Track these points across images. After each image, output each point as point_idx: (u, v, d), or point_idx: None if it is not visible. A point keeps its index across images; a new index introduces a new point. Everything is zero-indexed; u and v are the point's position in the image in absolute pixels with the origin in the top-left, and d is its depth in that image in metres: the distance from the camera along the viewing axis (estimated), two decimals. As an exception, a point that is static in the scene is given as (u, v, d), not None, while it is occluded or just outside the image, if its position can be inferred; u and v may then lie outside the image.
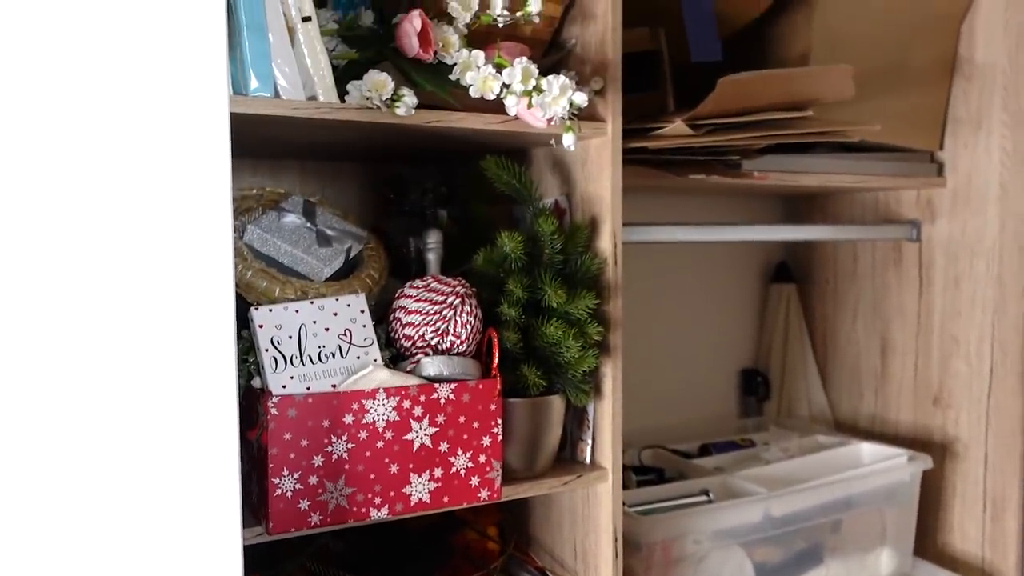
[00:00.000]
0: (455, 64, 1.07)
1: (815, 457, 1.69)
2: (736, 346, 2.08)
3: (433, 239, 1.16)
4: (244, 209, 1.18)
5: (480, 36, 1.11)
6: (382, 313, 1.15)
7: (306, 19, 1.02)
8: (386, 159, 1.50)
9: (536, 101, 1.02)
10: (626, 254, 1.22)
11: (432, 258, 1.15)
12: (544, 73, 1.10)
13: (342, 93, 1.05)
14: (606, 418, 1.21)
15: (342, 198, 1.50)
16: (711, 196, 1.95)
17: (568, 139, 1.05)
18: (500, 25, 1.08)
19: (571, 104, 1.02)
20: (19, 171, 0.68)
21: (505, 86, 1.04)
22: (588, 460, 1.23)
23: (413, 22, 1.05)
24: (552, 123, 1.05)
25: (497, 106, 1.07)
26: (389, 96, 1.01)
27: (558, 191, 1.31)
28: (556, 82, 1.01)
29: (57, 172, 0.70)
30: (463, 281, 1.10)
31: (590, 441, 1.23)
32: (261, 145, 1.29)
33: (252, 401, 0.98)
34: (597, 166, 1.21)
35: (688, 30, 1.17)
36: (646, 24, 1.37)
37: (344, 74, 1.15)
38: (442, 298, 1.06)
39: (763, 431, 1.94)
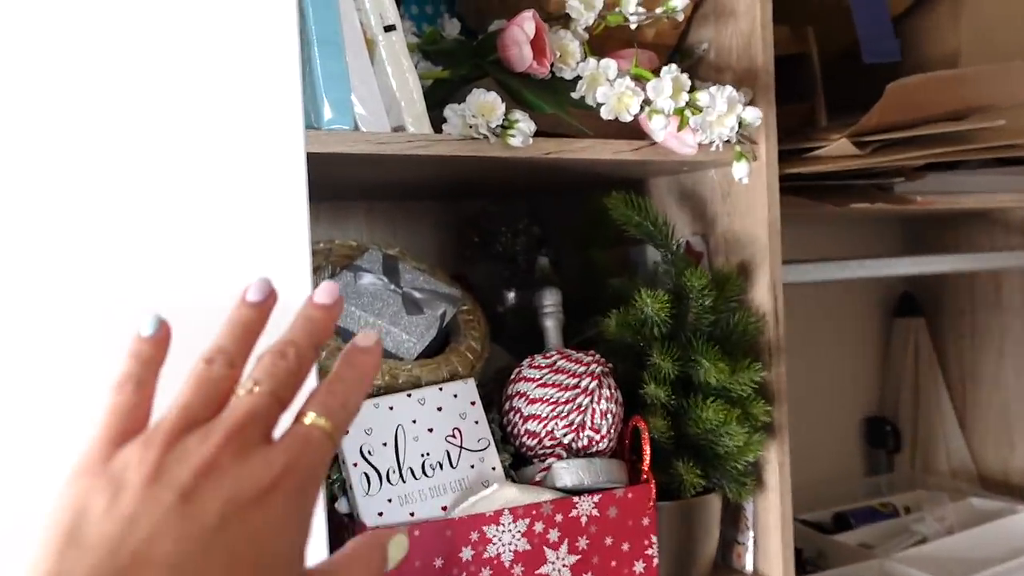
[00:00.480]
0: (578, 77, 0.83)
1: (982, 531, 1.41)
2: (858, 391, 1.81)
3: (551, 301, 0.91)
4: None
5: (592, 43, 0.88)
6: (487, 391, 0.91)
7: (389, 28, 0.79)
8: (464, 194, 1.26)
9: (694, 122, 0.78)
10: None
11: (551, 325, 0.91)
12: None
13: (435, 120, 0.81)
14: (771, 515, 0.96)
15: (415, 243, 1.27)
16: (813, 223, 1.69)
17: (740, 169, 0.80)
18: (633, 26, 0.84)
19: (740, 123, 0.77)
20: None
21: (646, 103, 0.80)
22: (750, 568, 0.97)
23: (524, 26, 0.81)
24: (711, 148, 0.80)
25: (626, 129, 0.83)
26: (500, 122, 0.78)
27: (689, 229, 1.06)
28: (720, 95, 0.77)
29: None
30: (597, 356, 0.85)
31: (750, 545, 0.97)
32: (324, 185, 1.06)
33: (338, 530, 0.74)
34: (747, 198, 0.97)
35: (858, 26, 0.93)
36: (784, 21, 1.12)
37: (429, 98, 0.92)
38: (574, 381, 0.82)
39: (900, 492, 1.67)
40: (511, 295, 1.17)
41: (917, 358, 1.78)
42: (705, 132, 0.77)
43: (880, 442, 1.79)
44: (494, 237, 1.22)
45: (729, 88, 0.77)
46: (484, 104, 0.78)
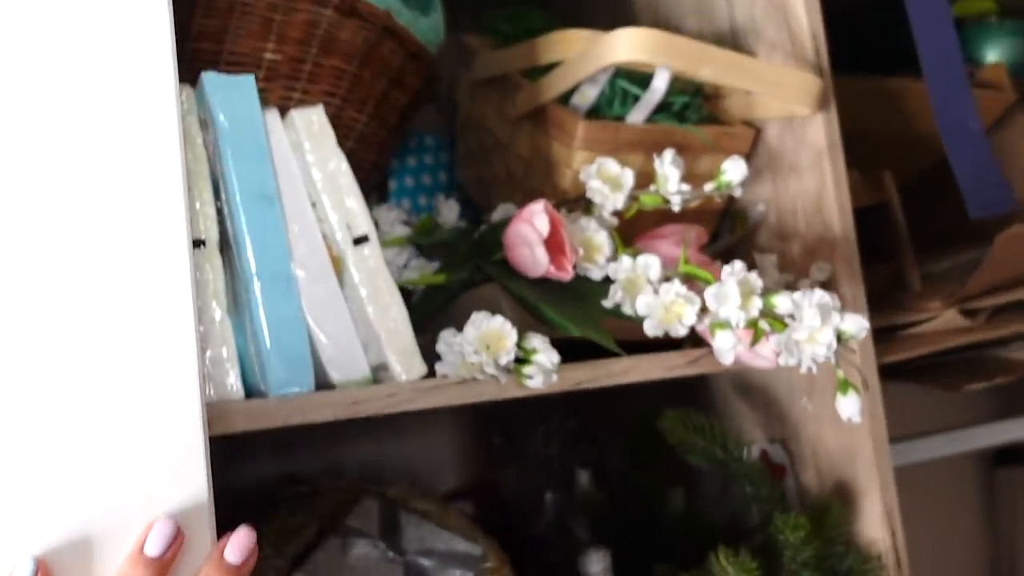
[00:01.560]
0: (607, 278, 0.64)
1: None
2: (956, 558, 1.54)
3: (598, 568, 0.69)
4: (287, 537, 0.74)
5: (622, 223, 0.69)
6: None
7: (360, 240, 0.61)
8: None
9: (776, 341, 0.57)
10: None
11: (600, 603, 0.68)
12: (724, 260, 0.67)
13: (428, 351, 0.62)
14: None
15: (429, 452, 1.06)
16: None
17: (849, 406, 0.58)
18: (676, 208, 0.65)
19: (839, 337, 0.56)
20: None
21: (704, 310, 0.60)
22: None
23: (535, 222, 0.62)
24: (803, 369, 0.59)
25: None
26: (512, 356, 0.58)
27: (763, 433, 0.84)
28: (807, 303, 0.56)
29: None
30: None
31: None
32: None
33: None
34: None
35: (959, 176, 0.73)
36: (853, 164, 0.93)
37: (423, 308, 0.73)
38: None
39: None
40: (550, 499, 0.95)
41: (1028, 515, 1.51)
42: (791, 353, 0.56)
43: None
44: (522, 441, 1.02)
45: (819, 293, 0.56)
46: (489, 334, 0.58)
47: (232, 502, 0.56)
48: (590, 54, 0.68)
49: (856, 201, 0.85)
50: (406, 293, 0.78)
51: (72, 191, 0.45)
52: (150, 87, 0.48)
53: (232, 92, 0.54)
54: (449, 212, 0.82)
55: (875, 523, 0.73)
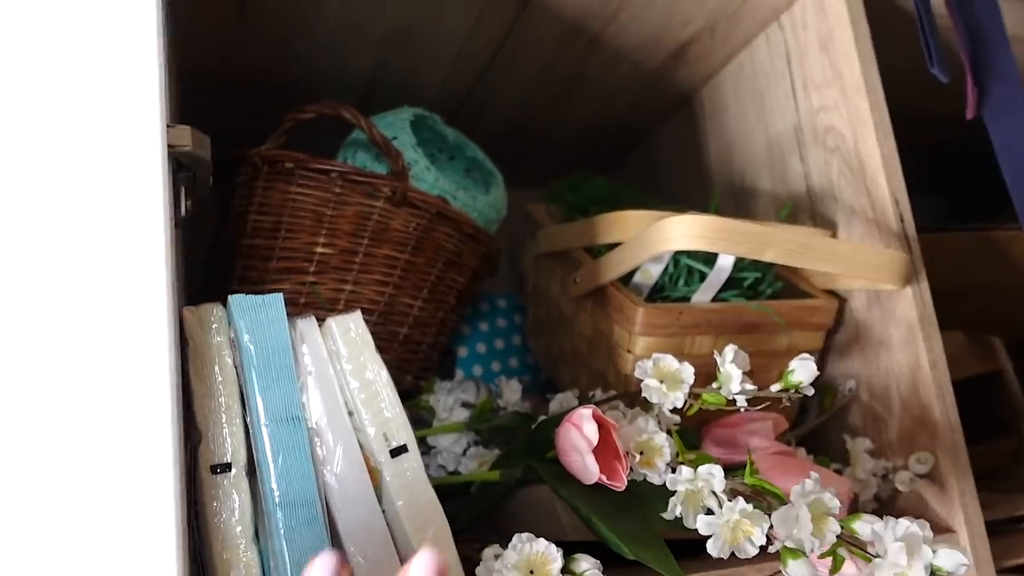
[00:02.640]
0: (666, 488, 0.58)
1: None
2: None
3: None
4: None
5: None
6: None
7: (397, 451, 0.58)
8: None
9: (858, 571, 0.50)
10: None
11: None
12: (808, 446, 0.60)
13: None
14: None
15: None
16: None
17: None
18: (742, 409, 0.59)
19: (934, 575, 0.49)
20: None
21: (770, 528, 0.54)
22: None
23: (584, 428, 0.58)
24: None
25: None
26: (556, 585, 0.52)
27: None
28: (890, 533, 0.49)
29: None
30: None
31: None
32: None
33: None
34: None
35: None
36: (952, 325, 0.85)
37: (472, 508, 0.69)
38: None
39: None
40: None
41: None
42: (875, 588, 0.49)
43: None
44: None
45: (904, 523, 0.49)
46: (533, 559, 0.53)
47: None
48: (646, 240, 0.65)
49: (964, 370, 0.77)
50: (465, 485, 0.74)
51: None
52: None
53: (259, 313, 0.53)
54: (511, 394, 0.78)
55: None
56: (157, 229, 0.45)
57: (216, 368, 0.53)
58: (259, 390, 0.52)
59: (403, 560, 0.57)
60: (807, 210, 0.79)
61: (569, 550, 0.56)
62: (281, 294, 0.53)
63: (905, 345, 0.70)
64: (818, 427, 0.76)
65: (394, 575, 0.57)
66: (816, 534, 0.51)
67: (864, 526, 0.51)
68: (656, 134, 1.03)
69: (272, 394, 0.52)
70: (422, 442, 0.75)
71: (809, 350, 0.75)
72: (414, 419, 0.75)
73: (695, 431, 0.71)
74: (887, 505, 0.72)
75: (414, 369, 0.77)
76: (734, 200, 0.89)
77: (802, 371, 0.57)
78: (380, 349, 0.67)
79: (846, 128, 0.74)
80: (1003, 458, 0.79)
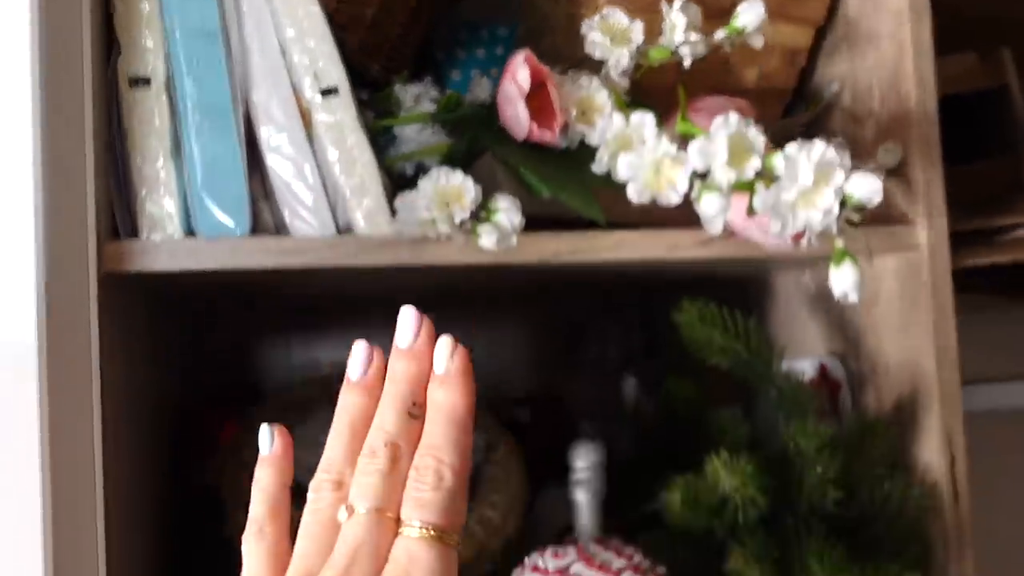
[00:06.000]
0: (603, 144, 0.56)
1: None
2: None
3: (583, 463, 0.63)
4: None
5: (661, 92, 0.60)
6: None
7: (328, 92, 0.57)
8: (561, 294, 1.00)
9: (762, 202, 0.48)
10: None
11: (583, 500, 0.62)
12: (783, 142, 0.57)
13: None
14: None
15: (497, 357, 1.02)
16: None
17: (842, 278, 0.49)
18: (687, 62, 0.56)
19: (845, 203, 0.47)
20: None
21: (697, 175, 0.52)
22: None
23: (517, 76, 0.56)
24: (804, 241, 0.50)
25: (691, 212, 0.54)
26: (467, 214, 0.52)
27: (823, 347, 0.74)
28: (803, 157, 0.47)
29: None
30: (634, 554, 0.56)
31: None
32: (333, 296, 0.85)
33: None
34: (900, 308, 0.64)
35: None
36: (969, 46, 0.79)
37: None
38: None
39: None
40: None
41: None
42: (784, 219, 0.47)
43: None
44: (586, 347, 0.96)
45: (818, 145, 0.46)
46: (444, 191, 0.53)
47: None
48: None
49: (969, 82, 0.72)
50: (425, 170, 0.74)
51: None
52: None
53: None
54: (482, 90, 0.76)
55: (932, 446, 0.62)
56: None
57: (139, -17, 0.53)
58: (177, 3, 0.52)
59: (331, 200, 0.58)
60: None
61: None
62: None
63: (894, 36, 0.65)
64: (796, 128, 0.72)
65: (320, 211, 0.57)
66: (732, 165, 0.49)
67: (785, 158, 0.49)
68: None
69: (187, 6, 0.52)
70: (387, 131, 0.74)
71: (796, 48, 0.71)
72: (382, 112, 0.75)
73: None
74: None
75: (380, 57, 0.75)
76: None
77: (749, 13, 0.54)
78: (345, 29, 0.65)
79: None
80: (1004, 176, 0.74)
